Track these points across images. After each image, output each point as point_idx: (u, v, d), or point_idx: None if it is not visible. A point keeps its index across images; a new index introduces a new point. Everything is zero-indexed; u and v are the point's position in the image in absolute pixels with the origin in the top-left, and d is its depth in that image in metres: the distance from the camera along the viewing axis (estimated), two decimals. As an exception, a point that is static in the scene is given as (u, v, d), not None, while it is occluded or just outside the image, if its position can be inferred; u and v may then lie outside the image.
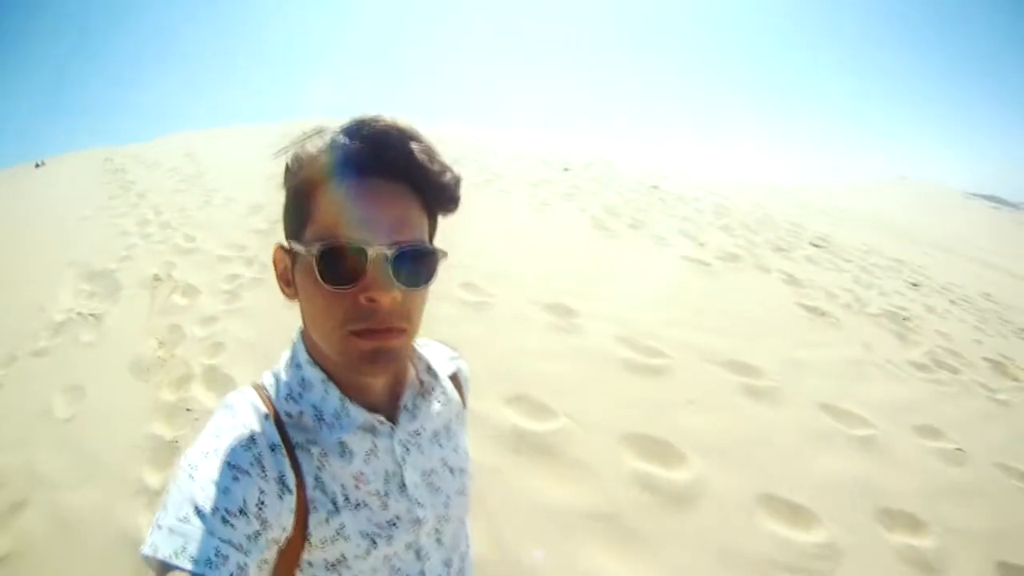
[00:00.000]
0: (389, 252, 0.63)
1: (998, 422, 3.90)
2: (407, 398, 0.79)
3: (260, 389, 0.73)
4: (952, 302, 7.82)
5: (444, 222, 0.76)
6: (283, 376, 0.74)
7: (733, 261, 5.84)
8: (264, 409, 0.69)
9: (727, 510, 2.45)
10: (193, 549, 0.55)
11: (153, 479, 2.52)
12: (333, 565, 0.69)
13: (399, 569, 0.75)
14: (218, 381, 3.08)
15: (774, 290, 5.38)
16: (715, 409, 3.10)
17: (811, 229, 9.49)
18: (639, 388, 3.16)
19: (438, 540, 0.79)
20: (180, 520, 0.57)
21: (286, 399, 0.72)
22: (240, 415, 0.68)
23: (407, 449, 0.76)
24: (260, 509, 0.61)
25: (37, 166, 14.92)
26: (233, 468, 0.62)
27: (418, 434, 0.78)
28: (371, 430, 0.73)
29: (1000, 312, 8.30)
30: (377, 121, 0.64)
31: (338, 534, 0.69)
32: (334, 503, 0.69)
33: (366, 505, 0.71)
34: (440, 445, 0.82)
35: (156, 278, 4.67)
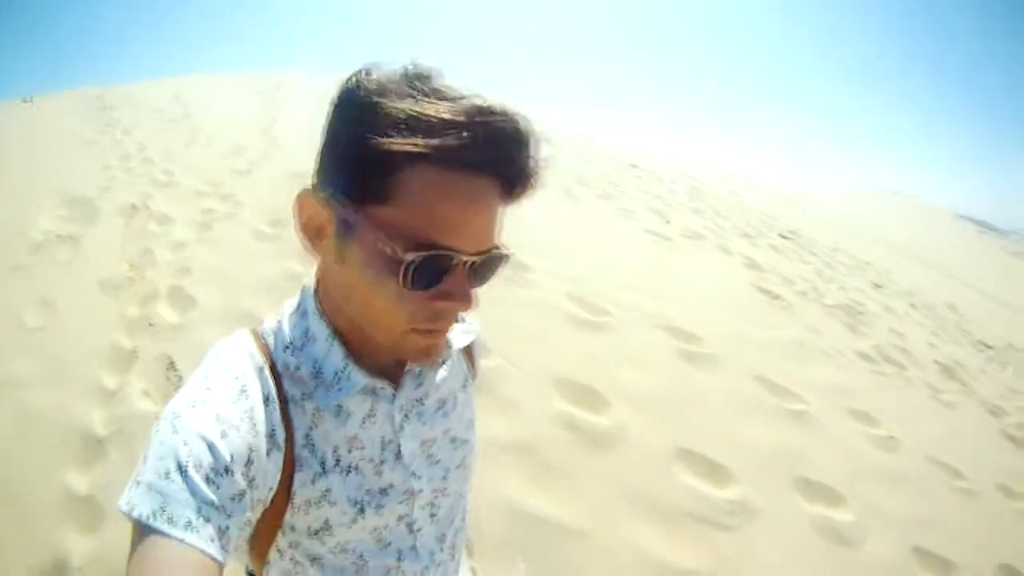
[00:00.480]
0: (476, 260, 0.60)
1: (937, 418, 4.04)
2: (415, 364, 0.74)
3: (257, 335, 0.69)
4: (912, 306, 7.97)
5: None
6: (285, 325, 0.70)
7: (696, 240, 6.00)
8: (259, 357, 0.66)
9: (646, 458, 2.59)
10: (172, 510, 0.52)
11: (110, 382, 2.69)
12: (317, 532, 0.67)
13: (389, 542, 0.72)
14: (181, 300, 3.25)
15: (732, 270, 5.53)
16: (650, 367, 3.24)
17: (784, 222, 9.64)
18: (579, 341, 3.32)
19: (432, 514, 0.77)
20: (160, 477, 0.53)
21: (285, 349, 0.68)
22: (233, 363, 0.64)
23: (407, 416, 0.73)
24: (248, 467, 0.58)
25: (25, 102, 14.69)
26: (222, 422, 0.58)
27: (421, 402, 0.75)
28: (371, 393, 0.70)
29: (961, 323, 8.47)
30: (504, 117, 0.56)
31: (323, 498, 0.66)
32: (322, 464, 0.66)
33: (357, 470, 0.68)
34: (445, 415, 0.78)
35: (133, 207, 4.78)
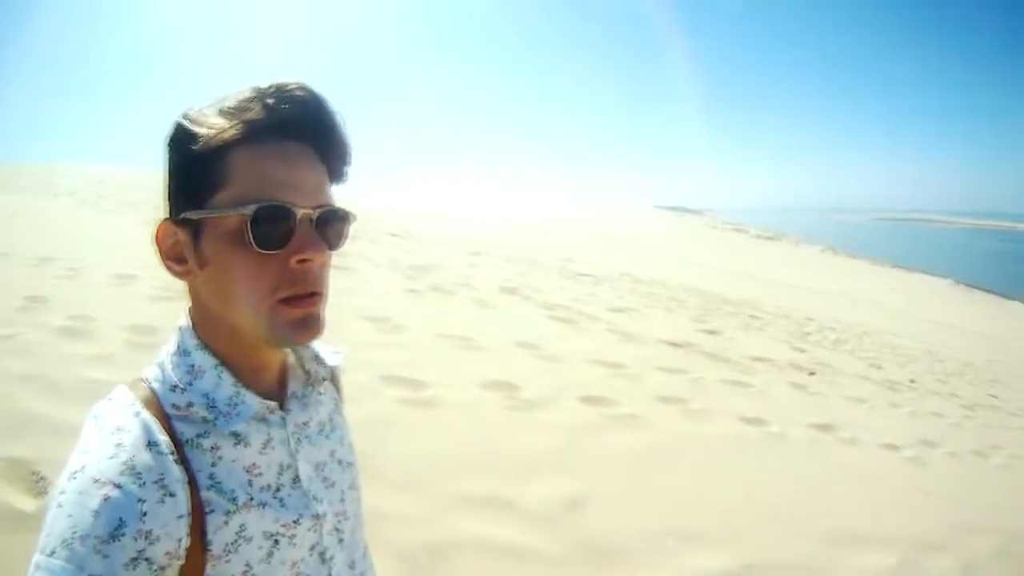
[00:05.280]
0: (314, 214, 0.63)
1: (467, 316, 5.31)
2: (295, 386, 0.75)
3: (136, 384, 0.67)
4: (508, 261, 9.91)
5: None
6: (168, 366, 0.67)
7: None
8: (138, 406, 0.62)
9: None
10: None
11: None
12: None
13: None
14: None
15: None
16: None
17: (407, 226, 12.58)
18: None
19: (340, 540, 0.75)
20: (47, 555, 0.52)
21: (172, 390, 0.65)
22: (107, 419, 0.62)
23: (299, 440, 0.72)
24: (141, 523, 0.55)
25: None
26: (101, 485, 0.55)
27: (307, 424, 0.75)
28: (263, 421, 0.69)
29: (568, 267, 10.37)
30: (296, 86, 0.64)
31: (239, 536, 0.63)
32: (233, 500, 0.63)
33: (265, 502, 0.66)
34: (327, 437, 0.78)
35: None
